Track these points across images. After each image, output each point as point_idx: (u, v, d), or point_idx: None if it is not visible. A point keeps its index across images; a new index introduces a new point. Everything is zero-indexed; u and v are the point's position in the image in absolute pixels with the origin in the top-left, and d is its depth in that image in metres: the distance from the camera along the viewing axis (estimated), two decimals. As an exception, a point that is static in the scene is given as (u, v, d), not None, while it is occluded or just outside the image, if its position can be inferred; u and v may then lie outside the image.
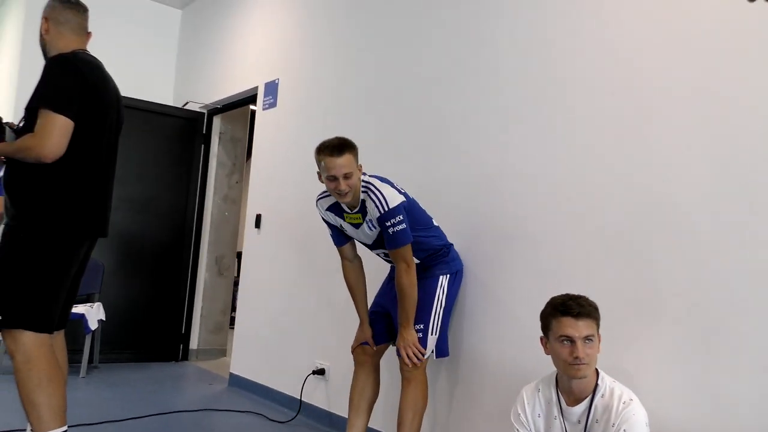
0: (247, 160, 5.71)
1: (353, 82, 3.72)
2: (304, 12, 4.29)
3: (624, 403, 1.85)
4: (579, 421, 1.92)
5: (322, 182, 2.55)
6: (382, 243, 2.56)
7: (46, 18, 2.37)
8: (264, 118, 4.54)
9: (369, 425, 2.85)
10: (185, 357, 5.39)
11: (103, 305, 4.56)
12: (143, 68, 5.68)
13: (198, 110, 5.44)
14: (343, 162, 2.44)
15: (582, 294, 1.97)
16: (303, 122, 4.13)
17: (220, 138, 5.54)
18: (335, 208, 2.63)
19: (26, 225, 2.19)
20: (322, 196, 2.68)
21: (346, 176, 2.45)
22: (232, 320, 5.90)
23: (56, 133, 2.11)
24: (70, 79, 2.20)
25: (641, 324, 2.18)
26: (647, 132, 2.23)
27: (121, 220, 4.97)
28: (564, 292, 2.00)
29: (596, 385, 1.91)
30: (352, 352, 2.87)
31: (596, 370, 1.93)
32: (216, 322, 5.63)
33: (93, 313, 4.34)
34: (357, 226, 2.60)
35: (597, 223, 2.35)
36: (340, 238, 2.75)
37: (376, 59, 3.57)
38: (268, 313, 4.24)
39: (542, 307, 2.01)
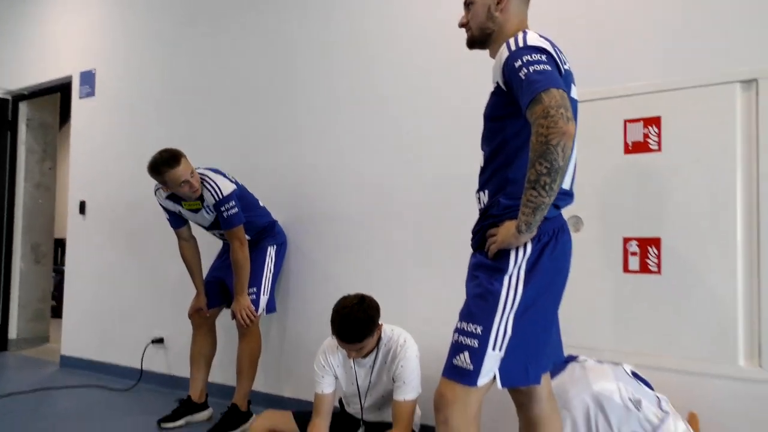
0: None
1: (176, 74, 4.07)
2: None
3: (400, 345, 2.50)
4: (370, 367, 2.55)
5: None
6: (218, 225, 3.05)
7: None
8: (82, 107, 4.66)
9: (209, 380, 3.35)
10: (4, 347, 5.33)
11: None
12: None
13: (1, 96, 5.30)
14: (173, 180, 2.91)
15: (364, 295, 2.41)
16: (126, 112, 4.36)
17: (27, 125, 5.45)
18: (174, 197, 3.06)
19: None
20: (160, 187, 3.08)
21: (187, 184, 2.92)
22: (53, 308, 5.89)
23: None
24: None
25: (420, 271, 2.95)
26: (438, 133, 2.99)
27: None
28: (360, 286, 2.54)
29: (379, 338, 2.52)
30: (190, 317, 3.32)
31: (380, 325, 2.49)
32: (35, 310, 5.60)
33: None
34: (196, 211, 3.07)
35: (395, 203, 3.07)
36: (177, 221, 3.18)
37: (196, 53, 3.96)
38: (99, 295, 4.46)
39: (355, 267, 2.64)
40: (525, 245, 1.59)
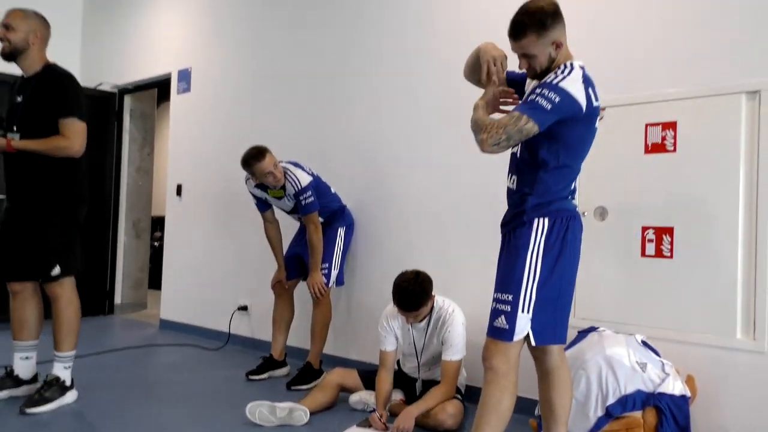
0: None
1: (262, 72, 4.63)
2: (209, 3, 5.09)
3: (449, 314, 2.97)
4: (423, 330, 3.02)
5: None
6: (297, 210, 3.60)
7: (35, 33, 3.02)
8: (179, 101, 5.32)
9: (287, 343, 3.91)
10: (111, 311, 6.13)
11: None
12: (48, 50, 6.12)
13: (110, 90, 6.05)
14: (259, 172, 3.44)
15: (420, 271, 2.89)
16: (218, 106, 4.98)
17: (131, 115, 6.20)
18: (261, 186, 3.62)
19: (61, 199, 3.01)
20: (250, 177, 3.65)
21: (271, 175, 3.47)
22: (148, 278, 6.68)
23: (83, 136, 2.97)
24: (80, 91, 3.02)
25: (466, 250, 3.38)
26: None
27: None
28: (417, 263, 3.01)
29: (432, 307, 3.00)
30: (272, 288, 3.90)
31: (433, 296, 2.97)
32: (136, 279, 6.41)
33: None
34: (279, 198, 3.63)
35: (446, 190, 3.51)
36: (263, 206, 3.76)
37: (279, 53, 4.50)
38: (192, 267, 5.14)
39: (415, 246, 3.13)
40: (543, 230, 2.01)
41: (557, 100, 1.92)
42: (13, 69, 3.16)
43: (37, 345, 3.21)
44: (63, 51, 6.23)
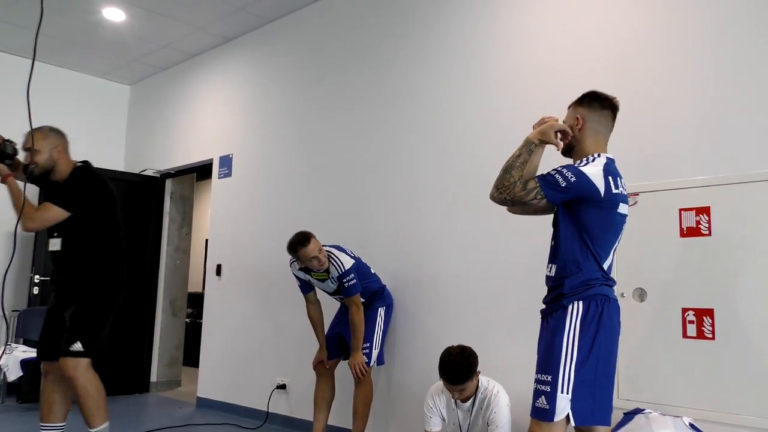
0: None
1: (302, 158, 4.87)
2: (251, 94, 5.42)
3: (494, 395, 3.03)
4: (468, 410, 3.08)
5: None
6: (340, 291, 3.73)
7: (56, 148, 3.18)
8: (220, 185, 5.57)
9: (328, 423, 3.96)
10: (146, 389, 6.21)
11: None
12: (96, 138, 6.47)
13: (152, 174, 6.35)
14: (304, 256, 3.60)
15: (466, 346, 2.96)
16: (256, 189, 5.21)
17: (171, 197, 6.47)
18: (305, 269, 3.77)
19: (102, 285, 3.19)
20: (294, 261, 3.80)
21: (316, 259, 3.61)
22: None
23: (48, 222, 3.09)
24: (85, 189, 3.17)
25: (502, 332, 3.46)
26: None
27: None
28: (457, 342, 3.06)
29: (477, 387, 3.06)
30: (314, 367, 3.97)
31: (478, 373, 3.03)
32: (171, 357, 6.48)
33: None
34: (323, 281, 3.76)
35: (485, 271, 3.63)
36: (306, 288, 3.89)
37: (320, 142, 4.74)
38: (231, 345, 5.24)
39: (454, 326, 3.18)
40: (578, 313, 2.12)
41: (573, 180, 2.10)
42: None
43: (63, 427, 3.25)
44: (110, 139, 6.65)
